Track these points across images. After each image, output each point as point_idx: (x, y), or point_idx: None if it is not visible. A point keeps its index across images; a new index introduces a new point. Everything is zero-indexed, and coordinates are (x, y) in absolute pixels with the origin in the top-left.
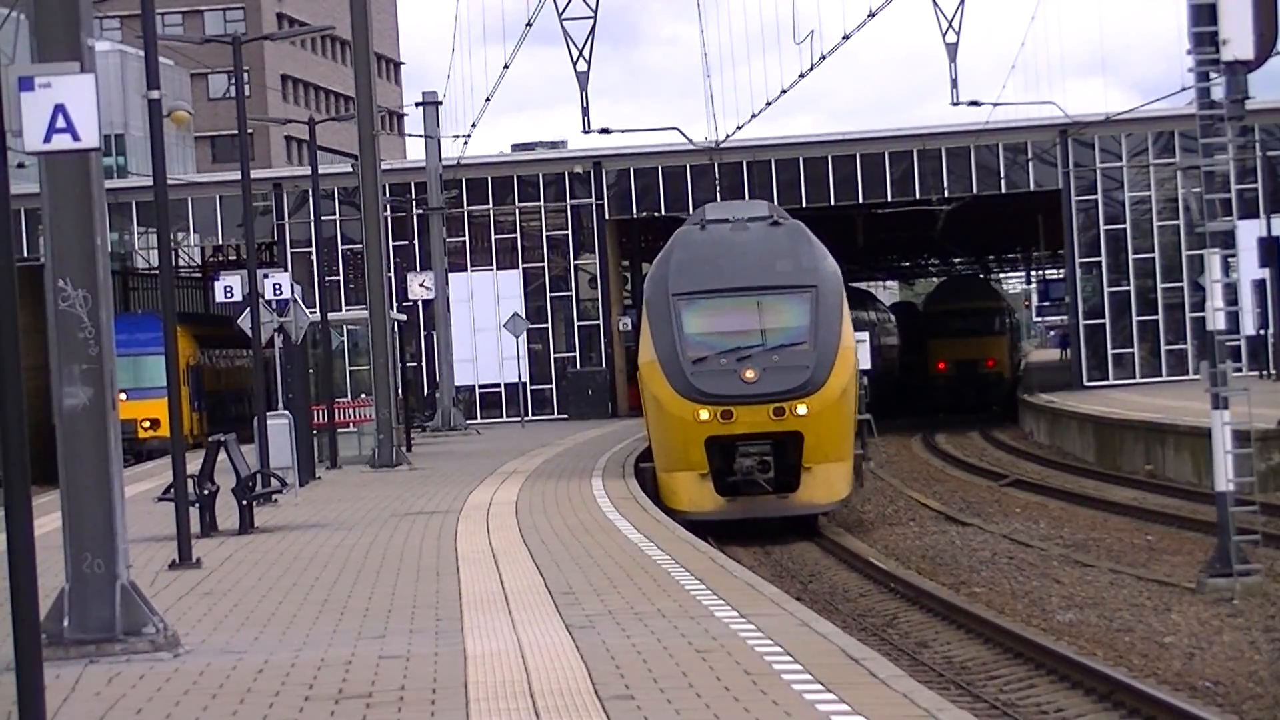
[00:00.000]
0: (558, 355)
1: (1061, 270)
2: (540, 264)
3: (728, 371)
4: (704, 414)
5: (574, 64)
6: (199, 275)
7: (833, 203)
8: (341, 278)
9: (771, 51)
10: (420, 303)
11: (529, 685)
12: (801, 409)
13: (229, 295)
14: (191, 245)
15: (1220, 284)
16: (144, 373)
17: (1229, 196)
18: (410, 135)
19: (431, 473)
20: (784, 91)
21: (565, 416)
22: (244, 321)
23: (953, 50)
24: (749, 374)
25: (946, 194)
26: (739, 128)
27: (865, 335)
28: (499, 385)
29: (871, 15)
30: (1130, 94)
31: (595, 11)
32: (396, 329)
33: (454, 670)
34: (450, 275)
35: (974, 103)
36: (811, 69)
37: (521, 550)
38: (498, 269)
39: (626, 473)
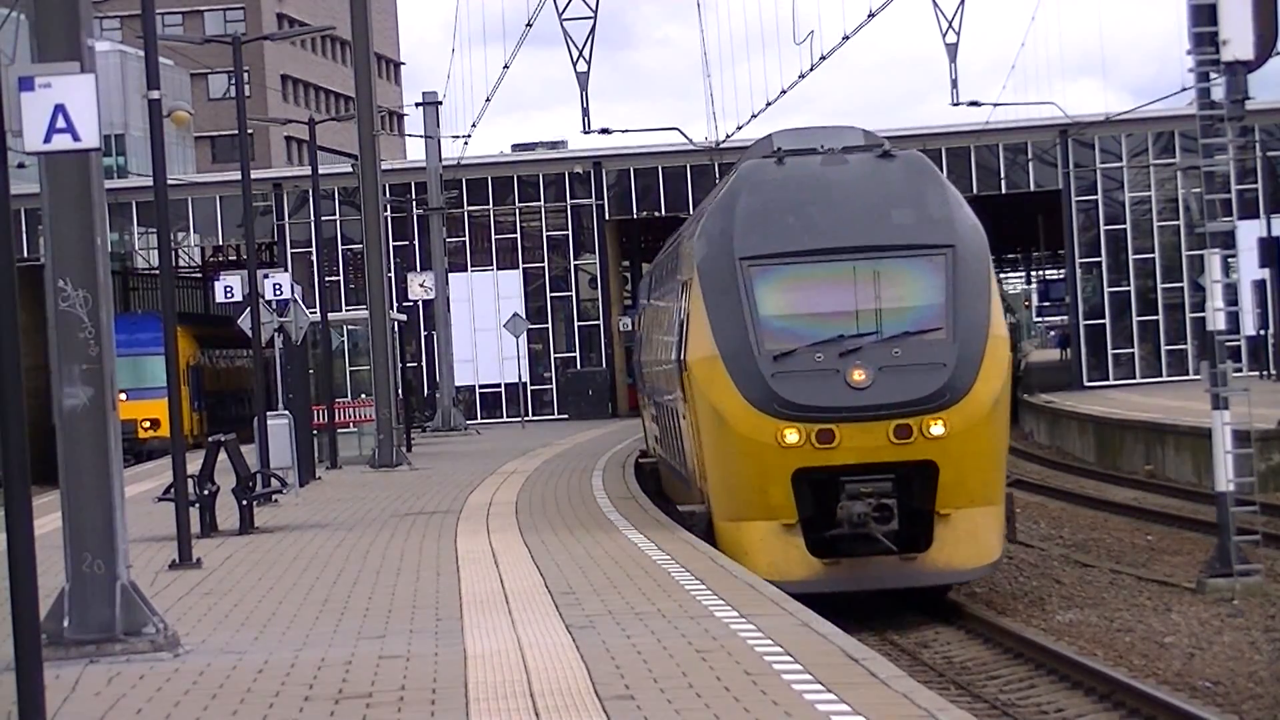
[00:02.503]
0: (558, 355)
1: (1061, 270)
2: (540, 264)
3: (826, 372)
4: (791, 435)
5: (574, 64)
6: (199, 275)
7: None
8: (341, 278)
9: (771, 52)
10: (420, 303)
11: (529, 685)
12: (937, 427)
13: (229, 295)
14: (191, 245)
15: (1220, 284)
16: (144, 373)
17: (1229, 197)
18: (410, 135)
19: (432, 473)
20: (784, 91)
21: (565, 417)
22: (244, 322)
23: (953, 50)
24: (858, 375)
25: None
26: (739, 128)
27: None
28: (499, 385)
29: (871, 15)
30: (1123, 95)
31: (595, 12)
32: (396, 329)
33: (454, 670)
34: (450, 275)
35: (974, 103)
36: (812, 69)
37: (521, 550)
38: (498, 269)
39: (626, 472)
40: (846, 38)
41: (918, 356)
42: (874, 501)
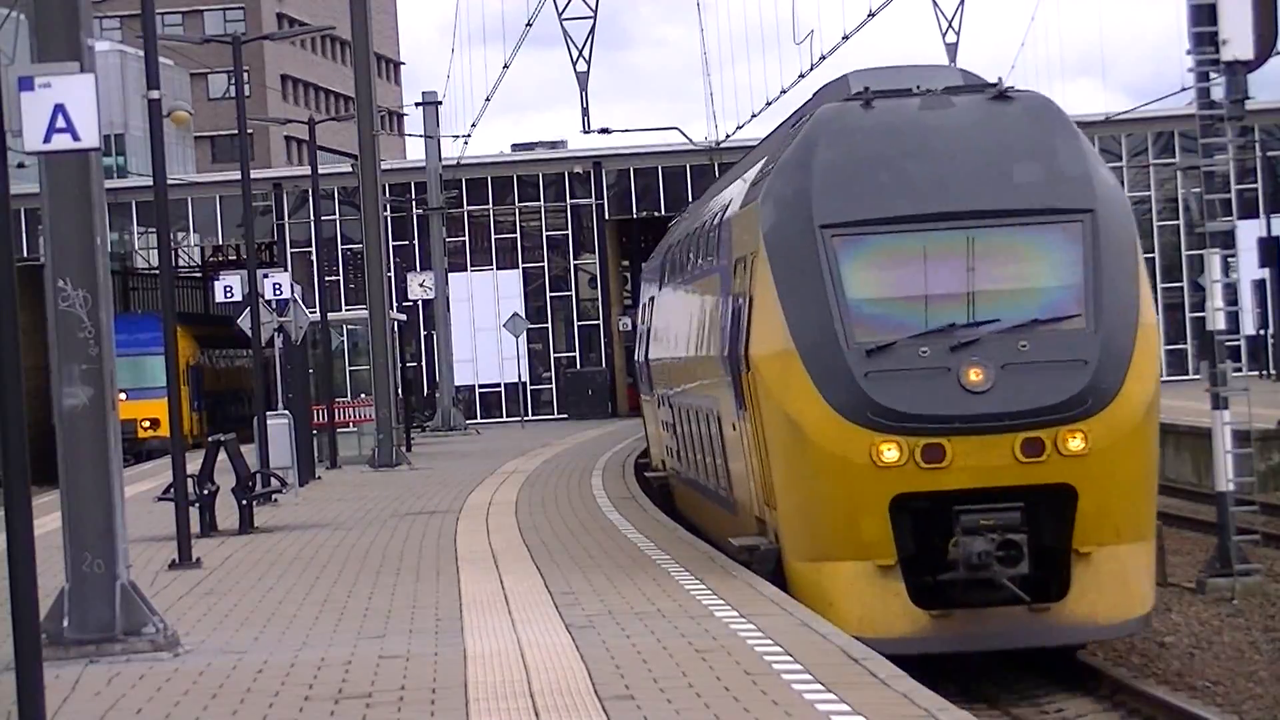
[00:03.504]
0: (557, 355)
1: None
2: (540, 264)
3: (933, 371)
4: (889, 451)
5: (574, 64)
6: (199, 275)
7: None
8: (341, 278)
9: (771, 51)
10: (420, 303)
11: (529, 685)
12: (1076, 441)
13: (229, 295)
14: (191, 245)
15: (1220, 284)
16: (144, 373)
17: (1229, 196)
18: (410, 135)
19: (431, 473)
20: (784, 91)
21: (565, 416)
22: (244, 321)
23: (952, 50)
24: (974, 375)
25: None
26: (739, 127)
27: None
28: (499, 385)
29: (871, 15)
30: (1122, 95)
31: (595, 12)
32: (396, 329)
33: (454, 670)
34: (450, 275)
35: None
36: (812, 69)
37: (521, 550)
38: (498, 269)
39: (626, 473)
40: (846, 37)
41: (1051, 351)
42: (997, 537)
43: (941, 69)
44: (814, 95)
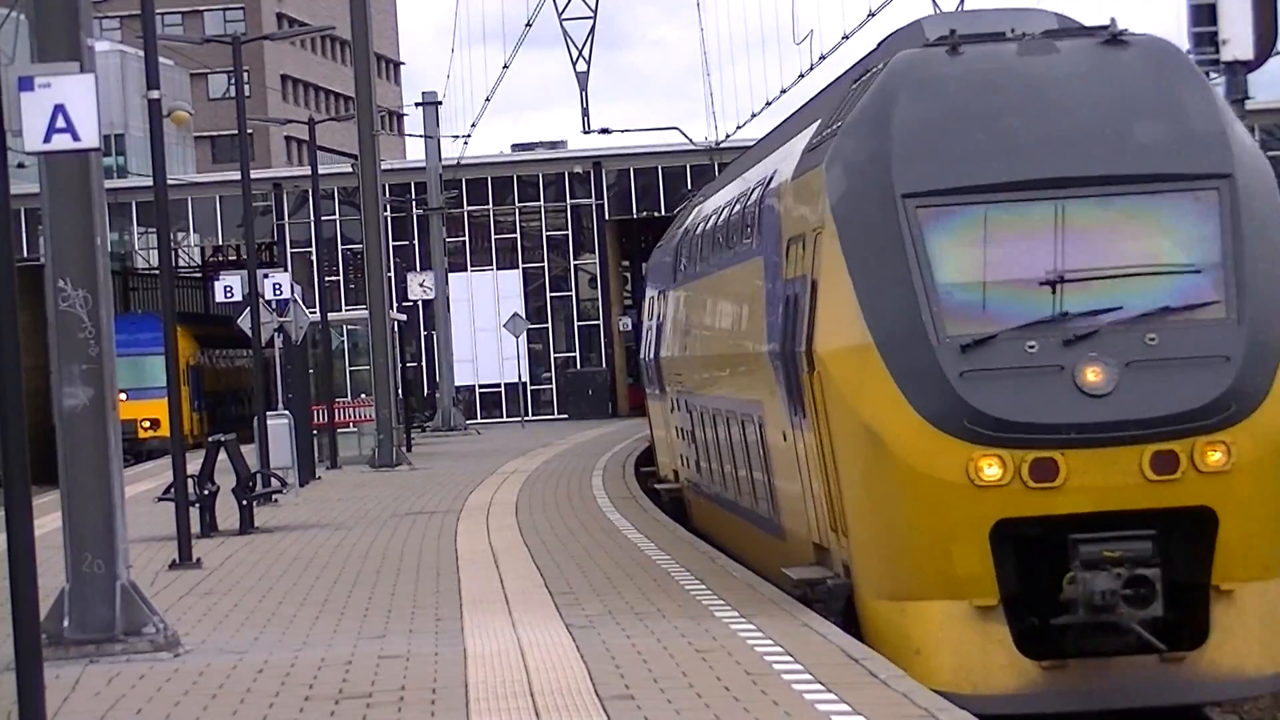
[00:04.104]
0: (558, 355)
1: None
2: (540, 264)
3: (1043, 371)
4: (990, 467)
5: (574, 64)
6: (199, 275)
7: None
8: (341, 278)
9: (771, 51)
10: (420, 303)
11: (529, 685)
12: (1216, 455)
13: (229, 295)
14: (191, 245)
15: None
16: (144, 373)
17: None
18: (410, 135)
19: (432, 473)
20: (784, 91)
21: (565, 416)
22: (244, 321)
23: None
24: (1093, 375)
25: None
26: (739, 127)
27: None
28: (499, 385)
29: (871, 15)
30: None
31: (595, 12)
32: (396, 329)
33: (454, 670)
34: (450, 275)
35: None
36: (811, 69)
37: (522, 550)
38: (498, 269)
39: (627, 473)
40: (846, 37)
41: (1184, 345)
42: (1123, 572)
43: (1030, 11)
44: (880, 44)
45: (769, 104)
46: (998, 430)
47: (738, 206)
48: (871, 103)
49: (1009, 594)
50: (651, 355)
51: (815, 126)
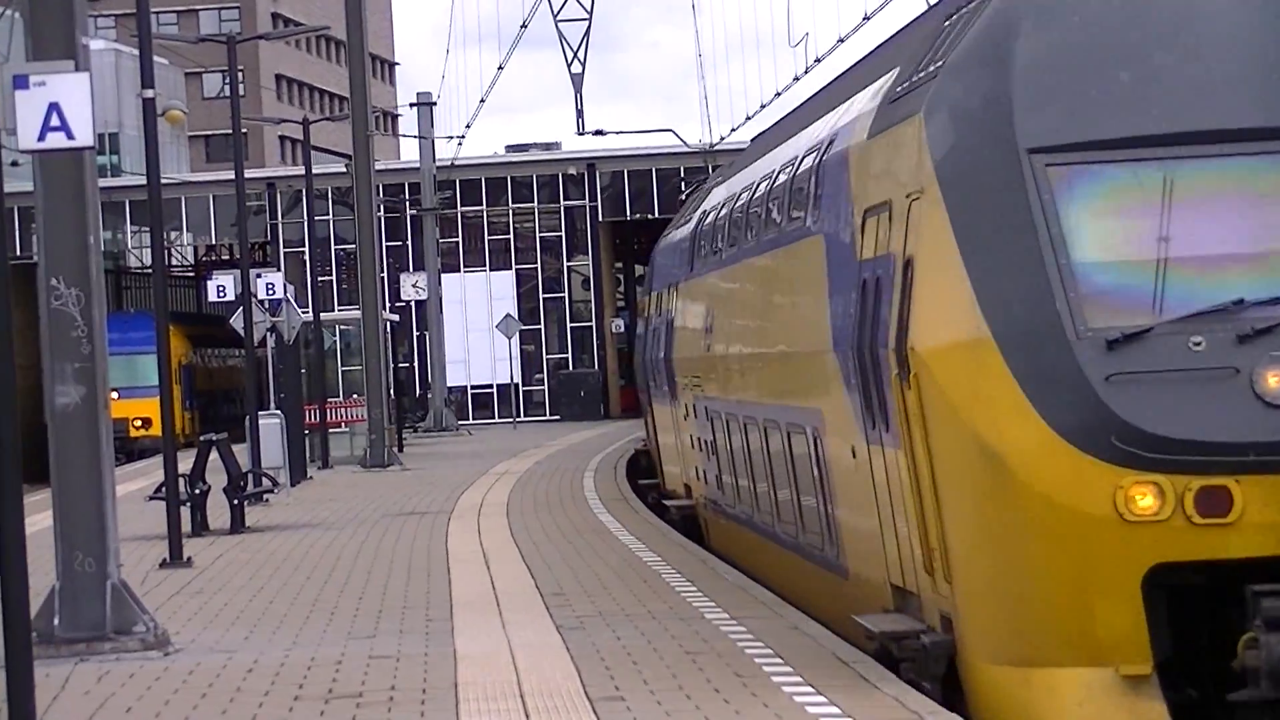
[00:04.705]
0: (550, 357)
1: None
2: (533, 265)
3: (1212, 375)
4: (1144, 498)
5: (568, 66)
6: (192, 275)
7: None
8: (334, 278)
9: (765, 54)
10: (413, 303)
11: (519, 686)
12: None
13: (222, 295)
14: (185, 245)
15: None
16: (136, 372)
17: None
18: (404, 136)
19: (423, 473)
20: (779, 94)
21: (557, 418)
22: (237, 321)
23: None
24: (1275, 380)
25: None
26: (733, 130)
27: None
28: (491, 386)
29: (867, 18)
30: None
31: (590, 14)
32: (389, 329)
33: (444, 670)
34: (443, 276)
35: None
36: (806, 72)
37: (513, 551)
38: (491, 270)
39: (618, 474)
40: (842, 40)
41: None
42: None
43: None
44: None
45: (764, 106)
46: (1154, 450)
47: (780, 179)
48: (984, 34)
49: (1165, 660)
50: (660, 355)
51: (893, 75)
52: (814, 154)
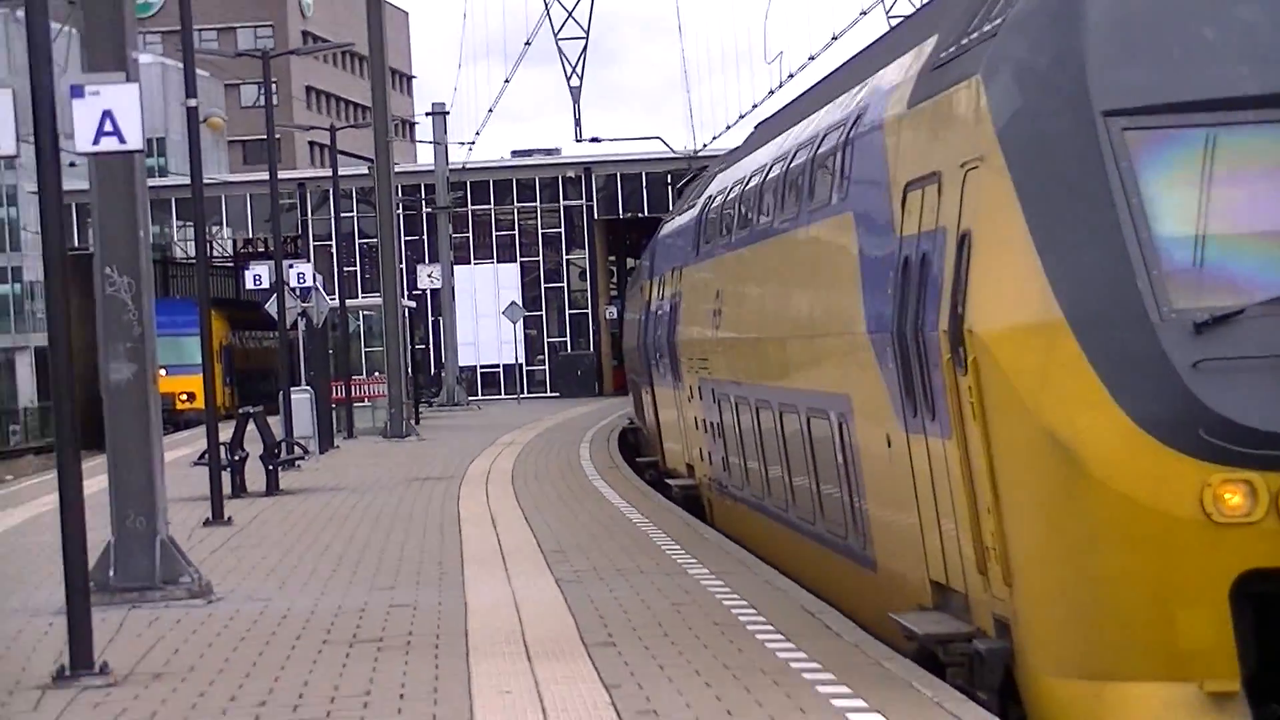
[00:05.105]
0: (550, 340)
1: None
2: (535, 258)
3: None
4: (1234, 497)
5: (568, 79)
6: (231, 265)
7: None
8: (358, 268)
9: (744, 69)
10: (428, 291)
11: (522, 633)
12: None
13: (258, 283)
14: (224, 238)
15: None
16: (182, 351)
17: None
18: (421, 142)
19: (437, 443)
20: (755, 106)
21: (556, 395)
22: (271, 306)
23: None
24: None
25: None
26: (715, 137)
27: None
28: (498, 366)
29: (835, 38)
30: None
31: (587, 33)
32: (407, 315)
33: (456, 619)
34: (455, 267)
35: None
36: (781, 85)
37: (517, 512)
38: (498, 262)
39: (611, 445)
40: (812, 58)
41: None
42: None
43: None
44: None
45: (742, 117)
46: (1246, 445)
47: (799, 159)
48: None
49: (1254, 675)
50: (663, 337)
51: (932, 42)
52: (838, 130)
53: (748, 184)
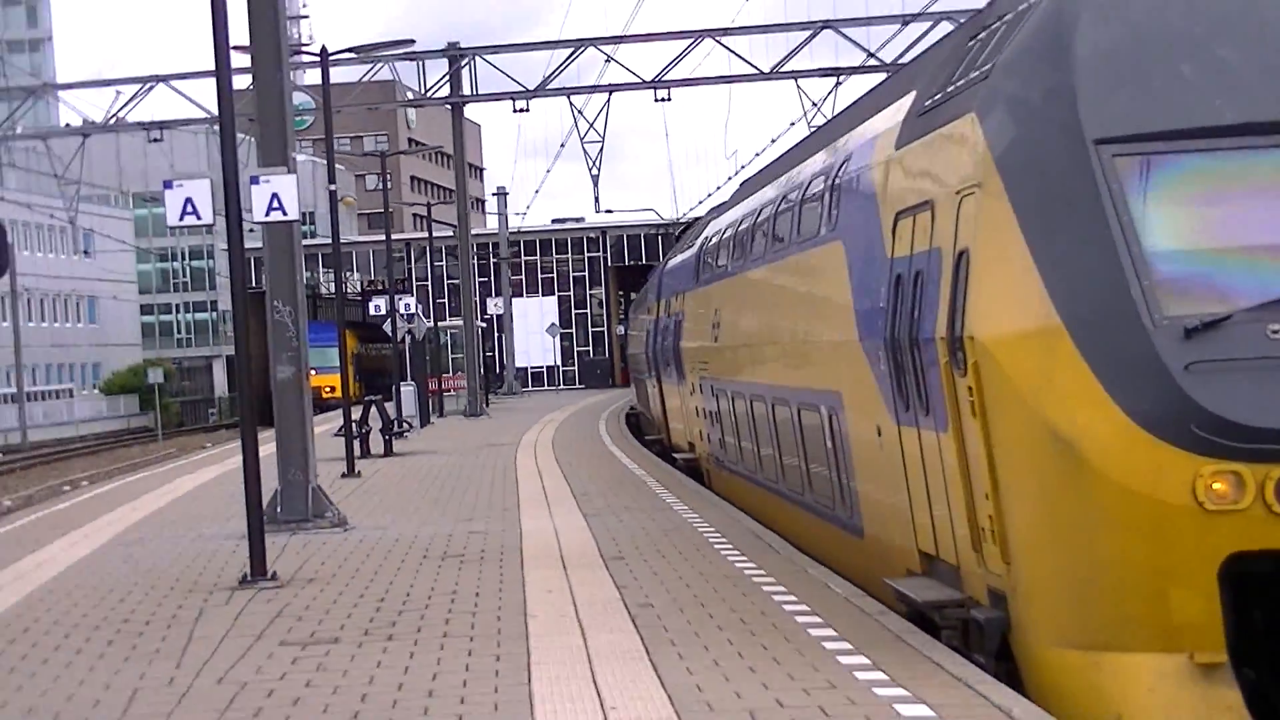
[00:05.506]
0: (578, 348)
1: None
2: (568, 293)
3: None
4: (1222, 487)
5: (590, 170)
6: (359, 299)
7: None
8: (446, 301)
9: (710, 163)
10: (494, 316)
11: (560, 551)
12: None
13: (377, 311)
14: (354, 280)
15: None
16: (326, 358)
17: None
18: (489, 213)
19: (501, 420)
20: (719, 188)
21: (583, 386)
22: (387, 327)
23: None
24: None
25: None
26: (690, 209)
27: None
28: (543, 367)
29: (773, 141)
30: None
31: (603, 139)
32: (479, 332)
33: (514, 540)
34: (513, 300)
35: None
36: (737, 173)
37: (556, 469)
38: (542, 296)
39: (620, 421)
40: (757, 154)
41: None
42: None
43: None
44: None
45: (709, 195)
46: (1235, 439)
47: (787, 202)
48: (1041, 31)
49: (1240, 648)
50: (670, 345)
51: (911, 97)
52: (824, 176)
53: (740, 226)
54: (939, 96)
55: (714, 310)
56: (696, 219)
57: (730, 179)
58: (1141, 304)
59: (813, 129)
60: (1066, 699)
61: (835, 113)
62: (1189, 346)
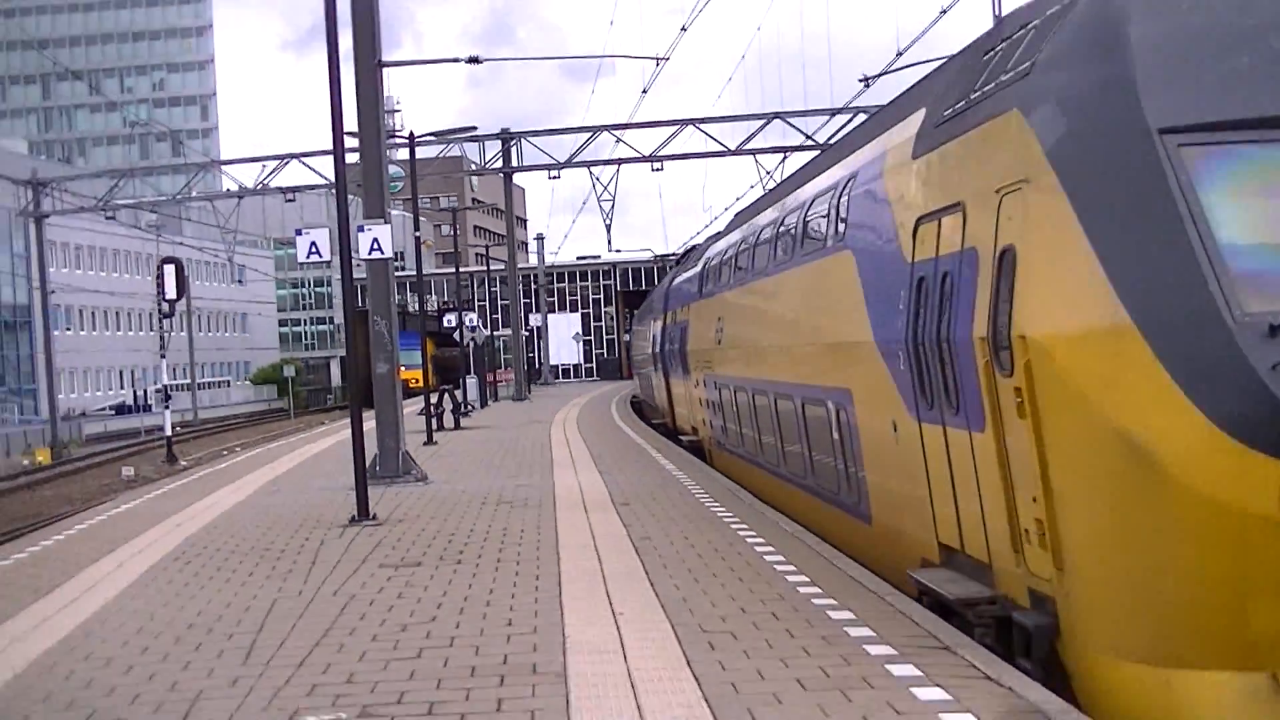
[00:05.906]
0: (596, 351)
1: None
2: (589, 311)
3: None
4: None
5: (604, 221)
6: (436, 315)
7: None
8: (500, 316)
9: (692, 214)
10: (536, 327)
11: (582, 498)
12: None
13: (450, 324)
14: (432, 301)
15: None
16: (412, 357)
17: None
18: (531, 252)
19: (539, 403)
20: (699, 232)
21: (599, 378)
22: (456, 334)
23: None
24: None
25: None
26: (678, 248)
27: None
28: (570, 364)
29: (738, 199)
30: None
31: (614, 197)
32: (524, 339)
33: (548, 492)
34: (549, 316)
35: None
36: (710, 224)
37: (579, 440)
38: (569, 313)
39: (627, 405)
40: (727, 209)
41: None
42: None
43: None
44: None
45: (691, 238)
46: None
47: (788, 221)
48: (1086, 27)
49: None
50: (676, 347)
51: (921, 114)
52: (828, 194)
53: (740, 247)
54: (960, 105)
55: (717, 318)
56: (689, 250)
57: (707, 226)
58: (1220, 301)
59: (780, 179)
60: (1130, 714)
61: (806, 161)
62: (1274, 345)
